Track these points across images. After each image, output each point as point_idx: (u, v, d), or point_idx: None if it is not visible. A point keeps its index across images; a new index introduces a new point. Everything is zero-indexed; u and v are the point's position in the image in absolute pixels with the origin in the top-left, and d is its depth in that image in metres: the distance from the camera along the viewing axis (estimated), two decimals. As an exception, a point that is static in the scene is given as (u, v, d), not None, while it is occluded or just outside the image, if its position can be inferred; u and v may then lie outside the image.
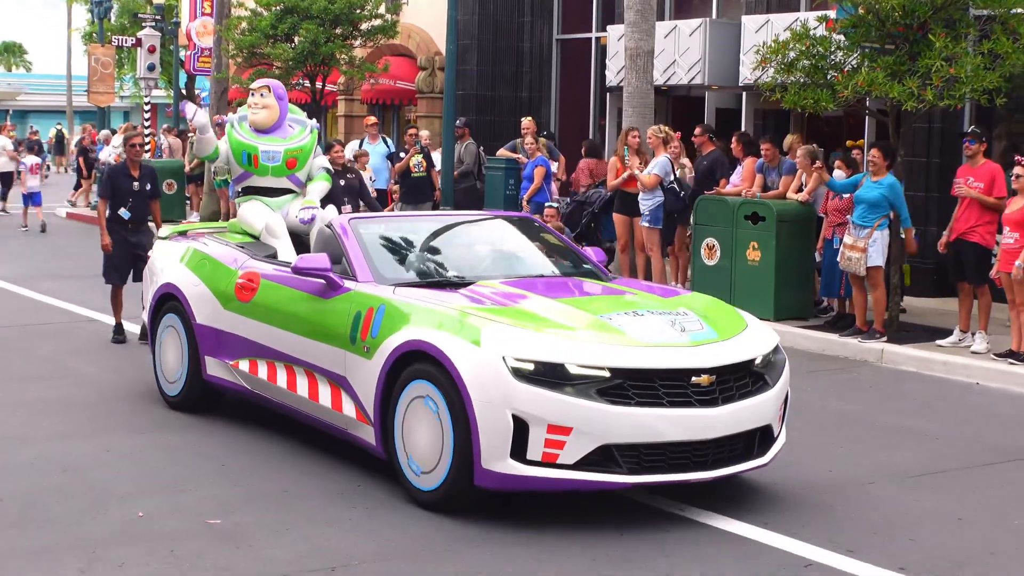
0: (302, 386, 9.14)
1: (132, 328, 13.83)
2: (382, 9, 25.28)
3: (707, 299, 9.54)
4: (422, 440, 7.91)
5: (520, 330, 7.84)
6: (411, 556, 7.19)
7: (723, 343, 8.08)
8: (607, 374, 7.53)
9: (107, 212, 13.83)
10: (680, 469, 7.72)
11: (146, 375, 11.78)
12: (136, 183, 13.83)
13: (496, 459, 7.43)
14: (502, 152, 21.04)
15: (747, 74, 19.40)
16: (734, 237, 16.08)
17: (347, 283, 8.94)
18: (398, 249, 9.75)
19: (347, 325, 8.62)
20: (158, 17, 34.45)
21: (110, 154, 29.79)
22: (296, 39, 24.27)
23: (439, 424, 7.74)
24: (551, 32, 25.56)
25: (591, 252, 10.60)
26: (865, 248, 14.56)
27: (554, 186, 19.90)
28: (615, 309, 8.48)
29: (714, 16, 21.98)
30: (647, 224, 17.17)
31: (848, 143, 16.44)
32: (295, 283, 9.37)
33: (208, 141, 11.58)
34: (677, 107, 23.38)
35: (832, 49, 16.32)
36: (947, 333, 14.78)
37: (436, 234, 10.27)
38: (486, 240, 10.42)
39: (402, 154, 20.88)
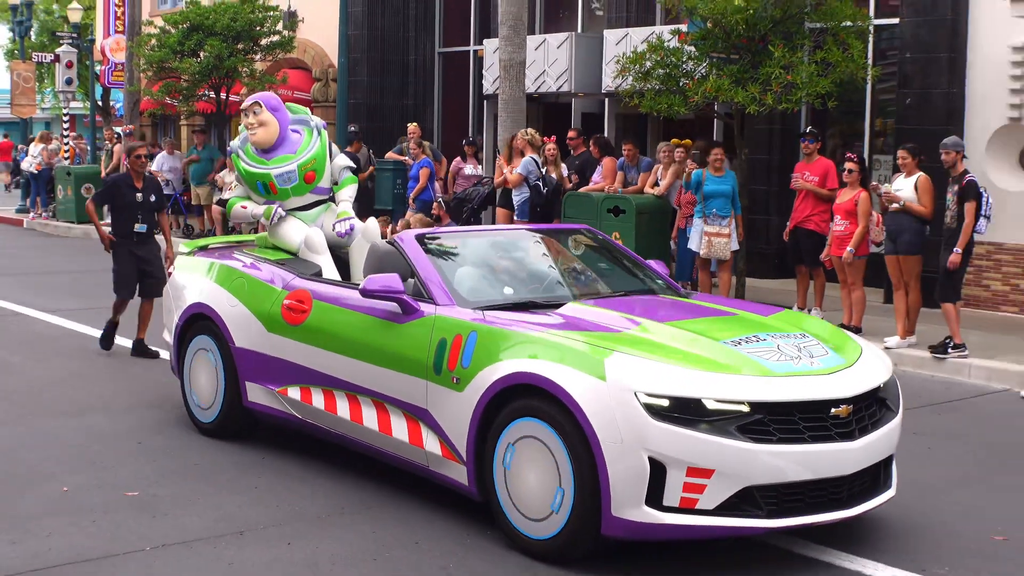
0: (370, 418, 7.53)
1: (123, 342, 12.24)
2: (280, 26, 25.09)
3: (809, 318, 8.15)
4: (532, 484, 6.40)
5: (648, 361, 6.26)
6: (311, 519, 7.09)
7: (853, 370, 6.71)
8: (746, 408, 6.06)
9: (100, 217, 12.26)
10: (820, 509, 6.31)
11: (71, 362, 11.60)
12: (140, 194, 11.98)
13: (629, 506, 5.96)
14: (390, 155, 20.99)
15: (609, 82, 19.48)
16: (599, 228, 16.13)
17: (423, 306, 7.31)
18: (470, 267, 8.01)
19: (429, 353, 7.03)
20: (75, 35, 33.92)
21: (30, 163, 29.36)
22: (201, 54, 23.98)
23: (555, 467, 6.25)
24: (433, 46, 25.53)
25: (656, 265, 8.89)
26: (729, 234, 15.14)
27: (437, 184, 19.91)
28: (735, 334, 6.93)
29: (579, 30, 22.03)
30: (517, 217, 17.28)
31: (673, 141, 16.56)
32: (357, 305, 7.73)
33: (239, 215, 9.80)
34: (547, 113, 23.39)
35: (684, 59, 16.46)
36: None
37: (503, 249, 8.58)
38: (554, 255, 8.74)
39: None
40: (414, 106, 25.06)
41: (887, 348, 12.59)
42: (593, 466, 6.03)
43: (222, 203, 22.73)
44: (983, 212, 12.82)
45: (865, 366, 6.85)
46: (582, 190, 17.29)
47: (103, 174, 26.47)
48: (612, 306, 7.49)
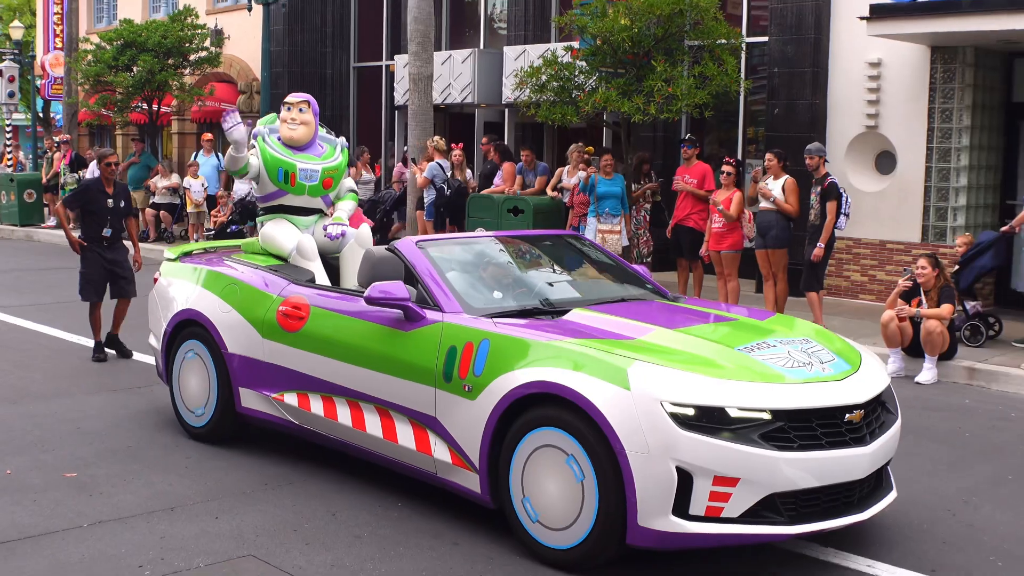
0: (373, 424, 6.83)
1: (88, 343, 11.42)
2: (207, 43, 24.94)
3: (802, 322, 7.35)
4: (551, 493, 5.79)
5: (671, 370, 5.67)
6: (237, 494, 7.01)
7: (860, 375, 6.24)
8: (768, 416, 5.56)
9: (72, 223, 11.46)
10: (836, 514, 5.83)
11: (12, 354, 11.36)
12: (111, 200, 11.16)
13: (655, 515, 5.43)
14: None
15: (508, 94, 19.45)
16: (500, 227, 16.15)
17: (429, 313, 6.64)
18: (471, 274, 7.29)
19: (438, 361, 6.38)
20: (16, 51, 33.38)
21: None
22: (135, 69, 23.72)
23: (576, 477, 5.67)
24: (348, 61, 25.37)
25: (640, 269, 8.32)
26: (620, 231, 15.38)
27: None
28: (745, 340, 6.39)
29: (482, 47, 21.98)
30: (426, 217, 17.40)
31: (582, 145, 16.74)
32: (358, 312, 7.04)
33: (240, 158, 8.63)
34: (453, 122, 23.31)
35: (576, 73, 16.55)
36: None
37: (497, 256, 7.84)
38: (549, 261, 8.16)
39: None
40: (331, 116, 24.87)
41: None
42: (619, 476, 5.48)
43: (157, 207, 22.48)
44: (843, 210, 13.03)
45: (869, 371, 6.38)
46: (483, 192, 17.39)
47: (44, 180, 26.16)
48: (616, 312, 6.85)
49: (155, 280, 8.98)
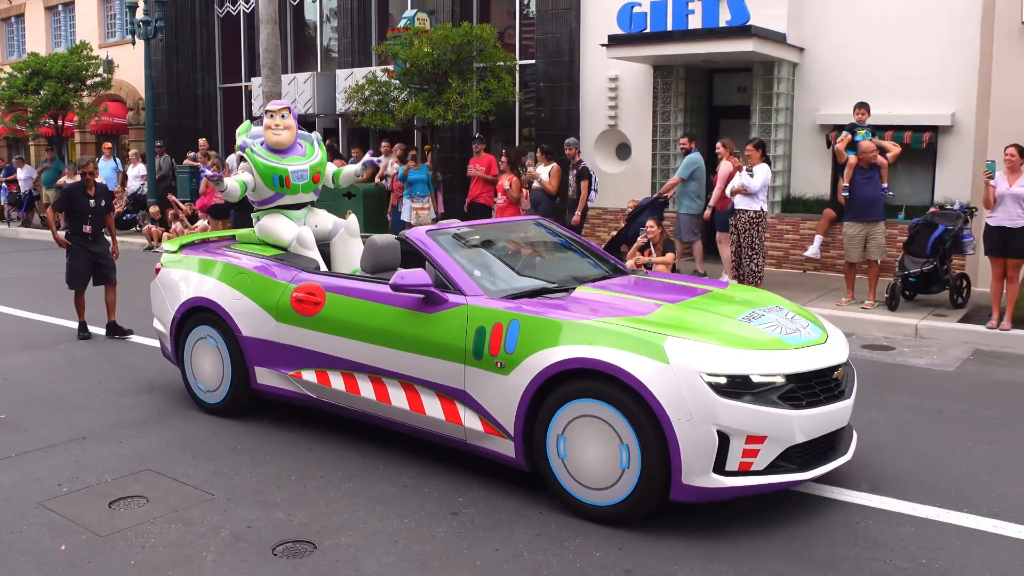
0: (398, 398, 5.92)
1: (96, 330, 10.08)
2: (101, 70, 23.91)
3: (765, 293, 6.56)
4: (592, 457, 5.08)
5: (701, 344, 5.00)
6: (137, 424, 6.81)
7: (833, 337, 5.68)
8: (782, 380, 5.00)
9: (61, 223, 10.11)
10: (830, 457, 5.31)
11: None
12: (92, 200, 10.12)
13: (698, 474, 4.84)
14: (186, 161, 20.15)
15: (341, 106, 19.13)
16: (337, 208, 15.98)
17: (451, 297, 5.74)
18: (476, 259, 6.29)
19: (466, 340, 5.52)
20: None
21: None
22: (41, 92, 22.49)
23: (618, 443, 4.97)
24: (215, 83, 24.50)
25: (597, 247, 7.43)
26: (428, 208, 15.46)
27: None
28: (738, 311, 5.71)
29: (319, 70, 21.54)
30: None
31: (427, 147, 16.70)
32: (375, 296, 6.09)
33: (234, 191, 7.50)
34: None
35: (391, 89, 16.40)
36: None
37: (495, 242, 6.86)
38: (537, 245, 7.17)
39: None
40: (203, 126, 24.10)
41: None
42: (663, 441, 4.84)
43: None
44: (593, 187, 13.30)
45: (835, 333, 5.80)
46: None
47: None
48: (615, 288, 6.07)
49: (157, 270, 7.73)
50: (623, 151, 16.50)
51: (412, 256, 6.40)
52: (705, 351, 4.94)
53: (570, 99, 16.71)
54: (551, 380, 5.16)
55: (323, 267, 7.30)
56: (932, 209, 11.85)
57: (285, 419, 6.89)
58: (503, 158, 14.33)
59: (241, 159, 7.71)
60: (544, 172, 13.60)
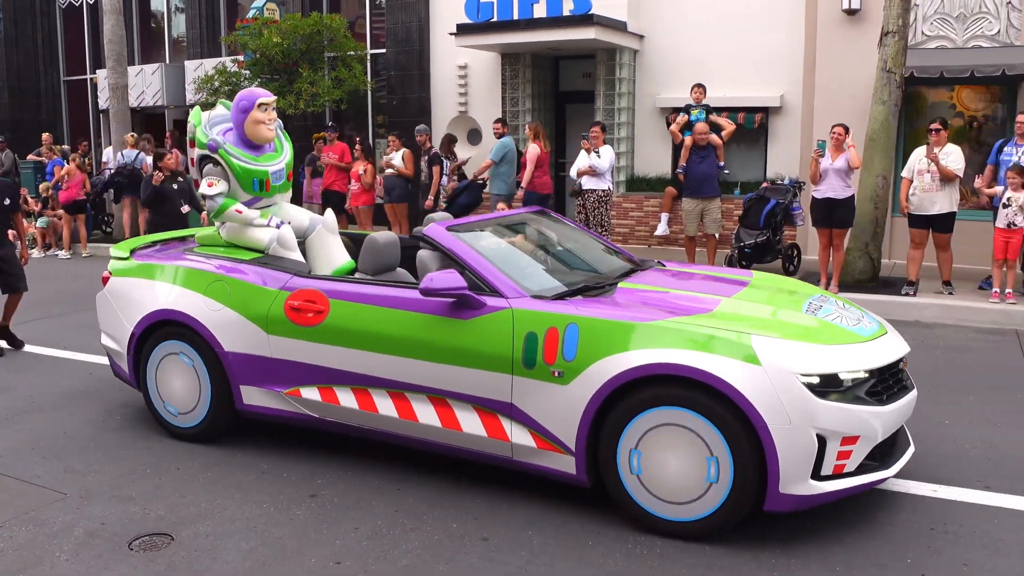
0: (426, 414, 5.08)
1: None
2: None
3: (792, 280, 6.07)
4: (673, 469, 4.48)
5: (788, 342, 4.48)
6: (37, 409, 6.48)
7: (889, 328, 5.21)
8: (865, 375, 4.53)
9: None
10: (903, 451, 4.88)
11: None
12: None
13: (795, 481, 4.32)
14: (31, 157, 19.21)
15: (191, 97, 18.60)
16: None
17: (489, 300, 4.94)
18: (507, 257, 5.44)
19: (513, 348, 4.76)
20: None
21: None
22: None
23: (706, 453, 4.39)
24: (59, 75, 23.41)
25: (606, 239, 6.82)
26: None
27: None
28: (798, 303, 5.24)
29: (167, 61, 20.85)
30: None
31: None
32: (394, 302, 5.21)
33: (216, 203, 6.28)
34: (148, 120, 21.96)
35: (242, 80, 16.01)
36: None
37: (509, 237, 5.93)
38: (553, 238, 6.27)
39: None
40: (47, 121, 22.99)
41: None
42: (758, 449, 4.31)
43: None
44: (444, 172, 13.28)
45: (884, 322, 5.31)
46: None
47: None
48: (656, 283, 5.45)
49: (104, 279, 6.57)
50: (474, 136, 16.53)
51: (411, 254, 5.85)
52: (795, 350, 4.45)
53: (421, 87, 16.64)
54: (621, 389, 4.53)
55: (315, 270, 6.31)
56: (764, 184, 12.32)
57: (138, 414, 6.65)
58: (356, 145, 14.17)
59: (207, 161, 6.34)
60: (397, 158, 13.52)
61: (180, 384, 6.04)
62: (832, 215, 10.62)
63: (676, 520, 4.53)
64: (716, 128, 12.20)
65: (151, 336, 6.12)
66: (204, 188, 6.28)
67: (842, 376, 4.44)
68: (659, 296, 5.07)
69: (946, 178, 10.36)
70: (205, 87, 16.13)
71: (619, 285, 5.28)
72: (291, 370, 5.57)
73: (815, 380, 4.35)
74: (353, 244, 7.09)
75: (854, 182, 10.78)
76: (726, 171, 12.20)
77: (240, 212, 6.26)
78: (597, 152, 12.01)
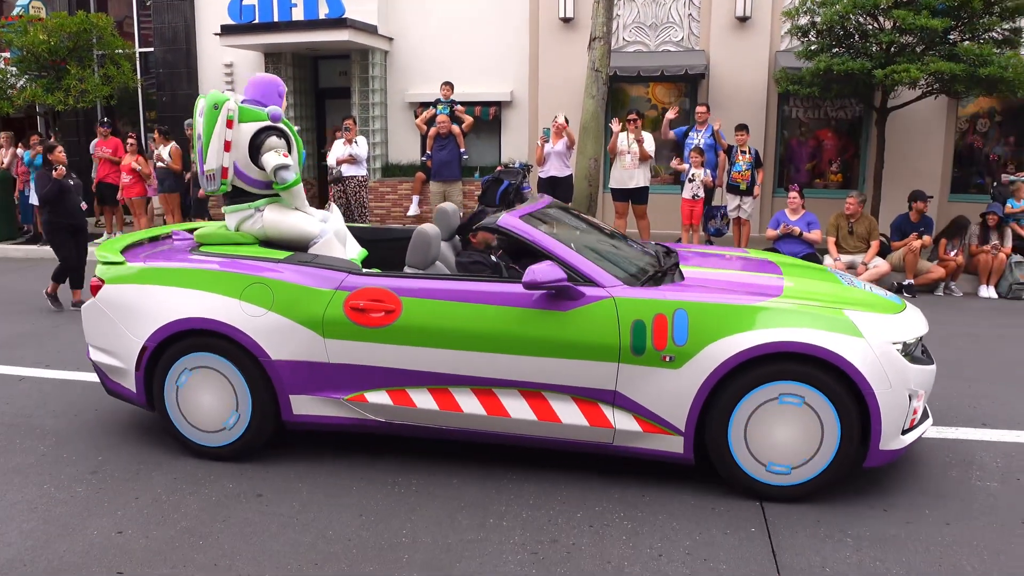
0: (519, 409, 4.49)
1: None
2: None
3: (802, 261, 5.85)
4: (780, 440, 4.30)
5: (874, 315, 4.42)
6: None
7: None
8: (913, 340, 4.45)
9: None
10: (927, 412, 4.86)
11: None
12: None
13: (891, 438, 4.28)
14: None
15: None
16: None
17: (588, 290, 4.43)
18: (575, 246, 4.73)
19: (620, 336, 4.33)
20: None
21: None
22: None
23: (815, 420, 4.23)
24: None
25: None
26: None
27: None
28: (834, 278, 5.08)
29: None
30: None
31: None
32: (482, 297, 4.52)
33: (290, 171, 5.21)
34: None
35: (8, 76, 14.55)
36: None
37: (561, 226, 5.17)
38: (589, 226, 5.50)
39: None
40: None
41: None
42: (865, 413, 4.24)
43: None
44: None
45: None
46: None
47: None
48: (709, 266, 5.11)
49: (94, 288, 5.14)
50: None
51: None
52: (882, 321, 4.41)
53: (189, 83, 15.75)
54: (734, 369, 4.28)
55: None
56: (499, 168, 12.59)
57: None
58: (129, 140, 13.24)
59: (268, 133, 5.18)
60: (165, 152, 12.77)
61: (210, 399, 4.89)
62: (555, 192, 11.05)
63: (782, 485, 4.38)
64: (457, 120, 12.36)
65: (168, 349, 4.89)
66: (277, 158, 5.15)
67: (908, 340, 4.41)
68: (727, 279, 4.77)
69: (642, 159, 11.03)
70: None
71: (683, 268, 4.93)
72: (354, 374, 4.69)
73: (899, 347, 4.34)
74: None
75: (572, 164, 11.27)
76: (466, 156, 12.41)
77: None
78: (355, 143, 11.91)
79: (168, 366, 4.90)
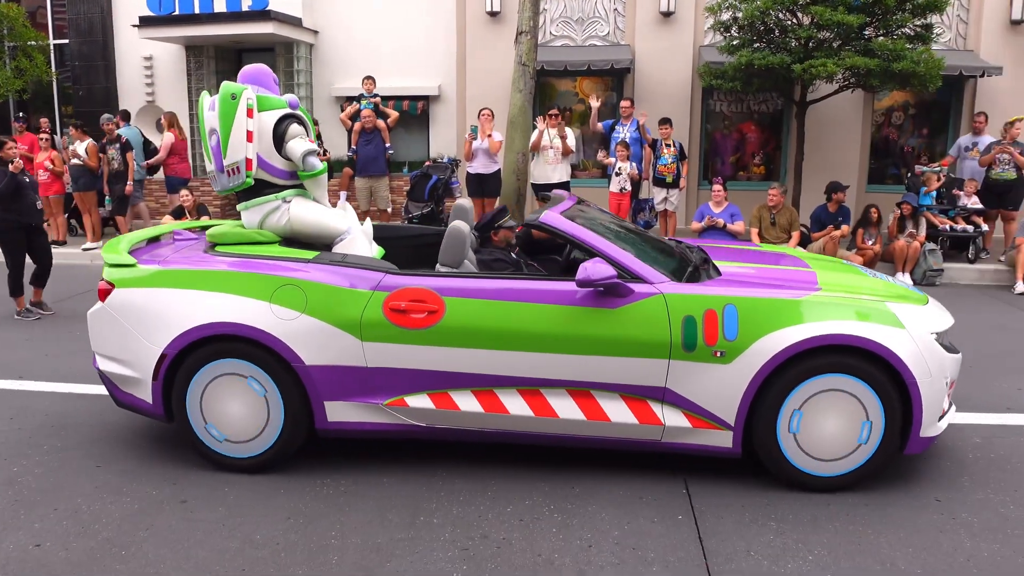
0: (567, 408, 4.39)
1: None
2: None
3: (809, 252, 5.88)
4: (829, 431, 4.33)
5: (912, 307, 4.49)
6: None
7: None
8: (941, 331, 4.49)
9: None
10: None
11: None
12: None
13: (930, 426, 4.36)
14: None
15: None
16: None
17: (636, 287, 4.37)
18: (614, 243, 4.64)
19: (671, 333, 4.29)
20: None
21: None
22: None
23: (860, 411, 4.30)
24: None
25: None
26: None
27: None
28: (859, 271, 5.12)
29: None
30: None
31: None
32: (529, 295, 4.41)
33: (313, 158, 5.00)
34: None
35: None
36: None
37: (595, 223, 4.87)
38: (611, 222, 5.23)
39: None
40: None
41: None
42: (907, 401, 4.30)
43: None
44: (137, 161, 12.31)
45: None
46: None
47: None
48: (740, 260, 5.10)
49: (103, 292, 4.80)
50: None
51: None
52: (919, 312, 4.49)
53: (107, 77, 15.29)
54: (788, 362, 4.28)
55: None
56: (427, 163, 12.56)
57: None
58: (42, 135, 12.78)
59: (288, 121, 4.98)
60: (81, 148, 12.36)
61: (238, 409, 4.62)
62: (483, 187, 11.06)
63: (825, 476, 4.42)
64: (383, 115, 12.25)
65: (189, 356, 4.59)
66: (304, 144, 4.94)
67: (940, 331, 4.47)
68: (763, 273, 4.75)
69: (565, 154, 11.10)
70: None
71: (719, 264, 4.91)
72: (394, 378, 4.51)
73: (935, 336, 4.40)
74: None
75: (500, 159, 11.28)
76: (391, 151, 12.31)
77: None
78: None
79: (191, 375, 4.60)
